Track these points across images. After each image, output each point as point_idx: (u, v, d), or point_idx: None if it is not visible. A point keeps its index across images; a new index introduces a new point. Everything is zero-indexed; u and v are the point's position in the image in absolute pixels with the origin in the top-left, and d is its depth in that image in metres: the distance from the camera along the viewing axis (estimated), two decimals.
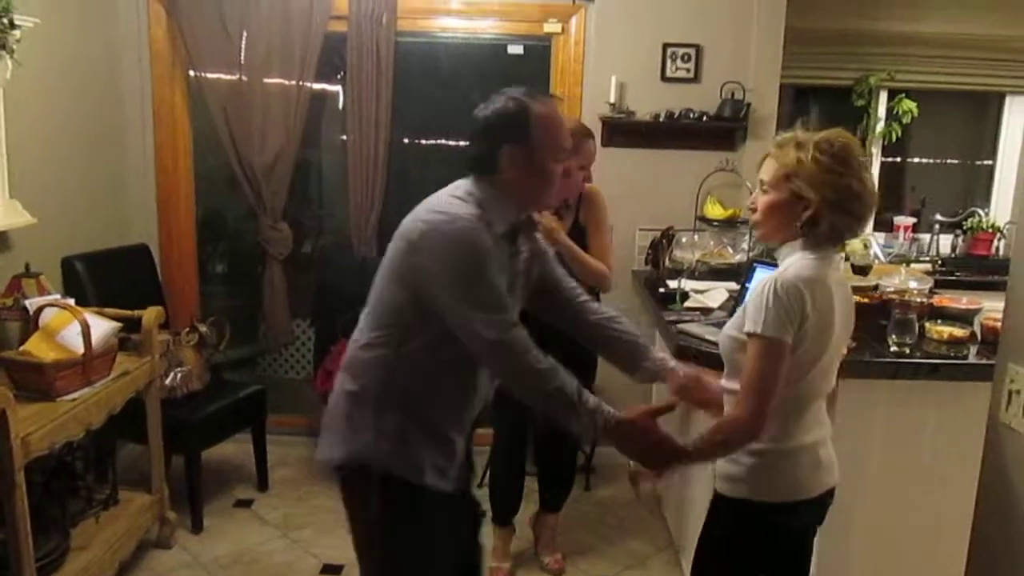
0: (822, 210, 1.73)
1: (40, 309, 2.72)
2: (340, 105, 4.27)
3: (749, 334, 1.73)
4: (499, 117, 1.82)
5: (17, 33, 2.77)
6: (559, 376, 1.72)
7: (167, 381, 3.31)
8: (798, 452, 1.85)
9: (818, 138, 1.76)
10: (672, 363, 2.06)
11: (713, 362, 2.55)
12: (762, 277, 1.78)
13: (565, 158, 1.90)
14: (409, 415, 1.85)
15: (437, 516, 1.90)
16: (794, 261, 1.78)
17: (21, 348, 2.65)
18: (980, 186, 4.85)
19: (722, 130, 3.95)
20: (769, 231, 1.85)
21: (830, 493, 1.96)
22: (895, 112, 4.45)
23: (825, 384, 1.88)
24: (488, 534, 3.09)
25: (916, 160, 4.90)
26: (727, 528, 1.92)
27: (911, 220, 4.52)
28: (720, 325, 2.73)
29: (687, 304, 3.19)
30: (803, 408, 1.84)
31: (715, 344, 2.54)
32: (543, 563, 3.31)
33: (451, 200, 1.80)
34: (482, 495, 3.73)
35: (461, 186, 1.86)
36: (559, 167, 1.87)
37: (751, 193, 3.79)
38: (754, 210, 1.86)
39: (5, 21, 2.68)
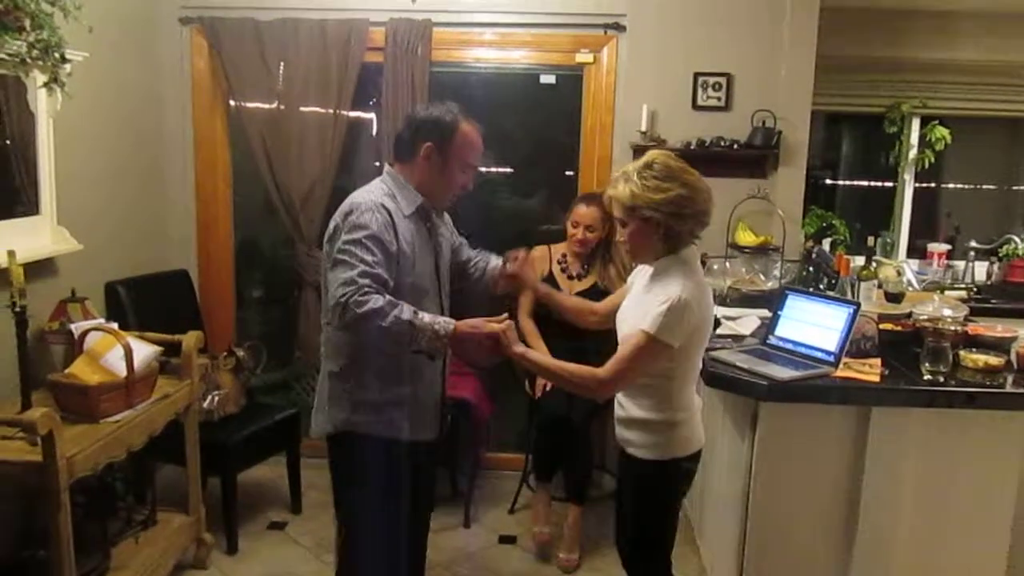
0: (669, 223, 2.08)
1: (85, 333, 2.80)
2: (374, 132, 4.34)
3: (643, 331, 2.05)
4: (433, 119, 2.22)
5: (68, 67, 2.88)
6: (396, 307, 2.00)
7: (205, 404, 3.37)
8: (695, 413, 2.27)
9: (638, 166, 2.11)
10: (495, 260, 2.53)
11: (737, 387, 2.57)
12: (667, 288, 2.08)
13: (469, 172, 2.29)
14: (379, 384, 2.21)
15: (404, 463, 2.28)
16: (679, 275, 2.10)
17: (66, 371, 2.73)
18: (1016, 212, 4.80)
19: (753, 158, 3.96)
20: (641, 256, 2.20)
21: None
22: (928, 139, 4.44)
23: None
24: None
25: (950, 186, 4.87)
26: (661, 486, 2.27)
27: (945, 247, 4.47)
28: (753, 352, 2.75)
29: (719, 331, 3.19)
30: (694, 381, 2.27)
31: (745, 371, 2.57)
32: (558, 558, 3.44)
33: (362, 193, 2.20)
34: (515, 520, 3.79)
35: (374, 183, 2.25)
36: (461, 177, 2.27)
37: (782, 221, 3.84)
38: (625, 243, 2.18)
39: (57, 55, 2.79)
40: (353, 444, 2.26)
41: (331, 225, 2.15)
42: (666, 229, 2.09)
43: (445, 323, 2.05)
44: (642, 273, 2.30)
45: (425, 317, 2.03)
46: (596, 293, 3.56)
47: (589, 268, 3.73)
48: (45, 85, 2.85)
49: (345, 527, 2.38)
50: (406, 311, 2.00)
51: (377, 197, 2.15)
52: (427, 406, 2.33)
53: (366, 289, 1.99)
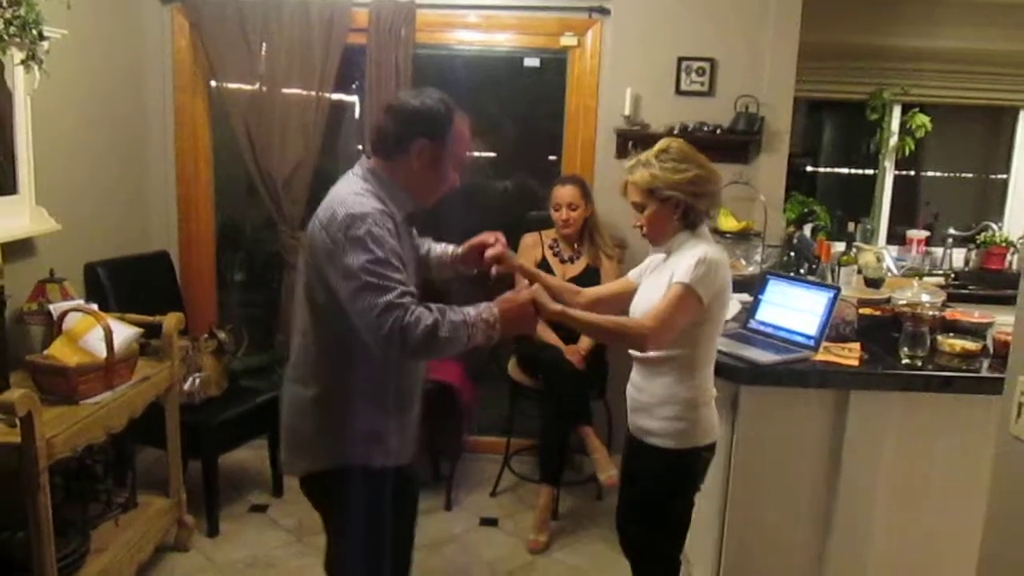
0: (688, 202, 2.17)
1: (64, 314, 2.77)
2: (357, 115, 4.32)
3: (678, 282, 2.09)
4: (426, 111, 1.96)
5: (46, 44, 2.83)
6: (444, 312, 1.84)
7: (186, 386, 3.35)
8: (712, 399, 2.28)
9: (655, 151, 2.22)
10: (450, 248, 2.30)
11: (718, 371, 2.58)
12: (693, 251, 2.15)
13: (459, 168, 2.07)
14: (371, 407, 1.98)
15: (400, 487, 2.09)
16: (702, 243, 2.19)
17: (45, 352, 2.71)
18: (994, 200, 4.84)
19: (736, 143, 3.97)
20: (659, 237, 2.27)
21: None
22: (909, 126, 4.46)
23: None
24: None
25: (929, 174, 4.91)
26: (683, 476, 2.28)
27: (924, 234, 4.52)
28: (734, 336, 2.77)
29: None
30: (713, 359, 2.29)
31: (726, 354, 2.58)
32: (527, 538, 3.47)
33: (350, 196, 1.90)
34: (497, 503, 3.80)
35: (355, 183, 1.96)
36: (452, 175, 2.04)
37: (764, 207, 3.86)
38: (642, 227, 2.25)
39: (35, 32, 2.74)
40: (353, 478, 2.01)
41: (320, 237, 1.86)
42: (685, 208, 2.18)
43: (488, 309, 1.90)
44: (651, 266, 2.36)
45: (470, 311, 1.87)
46: (590, 274, 3.66)
47: (580, 250, 3.77)
48: (23, 63, 2.80)
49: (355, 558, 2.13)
50: (454, 312, 1.85)
51: (373, 202, 1.89)
52: (415, 420, 2.14)
53: (411, 307, 1.79)
